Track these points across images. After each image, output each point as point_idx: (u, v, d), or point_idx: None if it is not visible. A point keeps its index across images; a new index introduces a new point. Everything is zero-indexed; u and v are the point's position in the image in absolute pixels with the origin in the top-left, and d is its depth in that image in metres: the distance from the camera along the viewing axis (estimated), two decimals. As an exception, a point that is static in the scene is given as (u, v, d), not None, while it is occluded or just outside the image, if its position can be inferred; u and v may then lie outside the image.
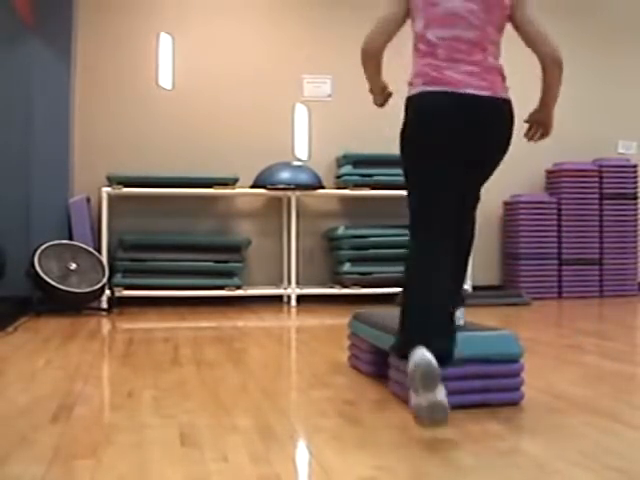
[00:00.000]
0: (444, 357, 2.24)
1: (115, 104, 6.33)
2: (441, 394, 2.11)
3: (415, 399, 2.13)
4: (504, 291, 6.68)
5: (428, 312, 2.34)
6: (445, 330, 2.35)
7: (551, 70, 2.51)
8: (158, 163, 6.33)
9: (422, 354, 2.14)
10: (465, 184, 2.55)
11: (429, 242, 2.47)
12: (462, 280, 2.71)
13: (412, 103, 2.49)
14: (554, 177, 6.90)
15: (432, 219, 2.49)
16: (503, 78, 2.50)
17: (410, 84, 2.53)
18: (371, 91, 2.77)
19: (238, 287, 6.06)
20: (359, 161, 6.36)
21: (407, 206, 2.57)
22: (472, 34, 2.44)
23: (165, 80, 6.45)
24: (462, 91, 2.40)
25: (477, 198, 2.66)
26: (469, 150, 2.47)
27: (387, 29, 2.58)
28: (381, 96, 2.77)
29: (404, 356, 2.25)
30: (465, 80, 2.41)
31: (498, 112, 2.47)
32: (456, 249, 2.54)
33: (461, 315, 2.69)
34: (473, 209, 2.67)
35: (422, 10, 2.50)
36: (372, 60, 2.65)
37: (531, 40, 2.53)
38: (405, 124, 2.54)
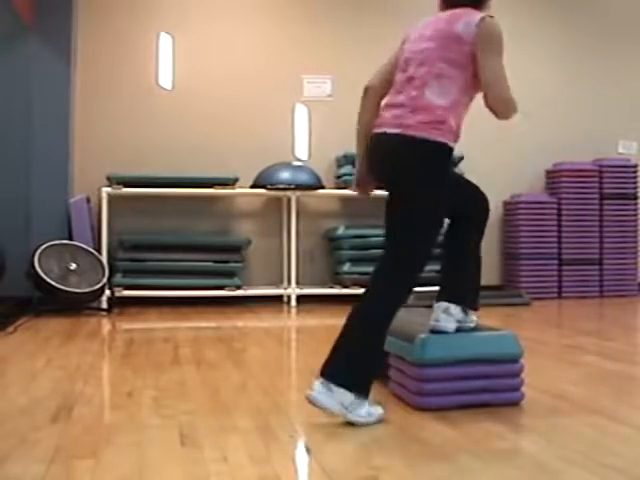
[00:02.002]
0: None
1: (115, 104, 6.33)
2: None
3: None
4: (504, 291, 6.68)
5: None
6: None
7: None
8: (158, 163, 6.33)
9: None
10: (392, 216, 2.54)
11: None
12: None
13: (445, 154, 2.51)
14: (554, 177, 6.90)
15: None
16: (435, 116, 2.43)
17: None
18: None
19: (238, 287, 6.06)
20: (359, 161, 6.35)
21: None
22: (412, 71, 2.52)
23: (165, 80, 6.45)
24: (377, 131, 2.53)
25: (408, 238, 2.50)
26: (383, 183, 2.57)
27: (378, 75, 2.69)
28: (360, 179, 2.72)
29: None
30: (386, 122, 2.51)
31: (392, 146, 2.48)
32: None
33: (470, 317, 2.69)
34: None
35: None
36: (363, 97, 2.73)
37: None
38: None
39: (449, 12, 2.52)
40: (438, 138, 2.41)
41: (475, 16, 2.45)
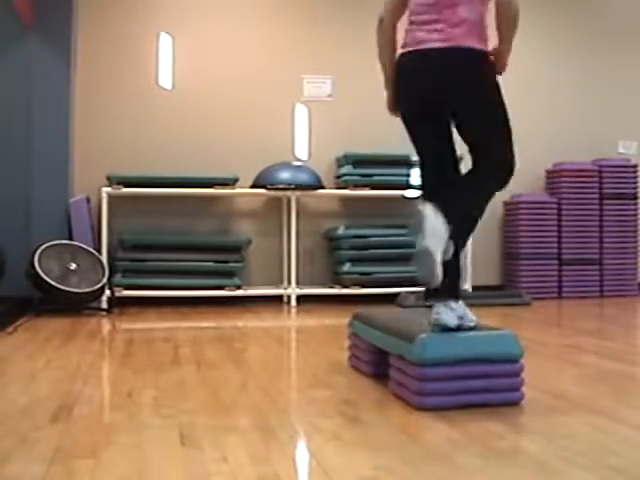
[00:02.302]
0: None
1: (115, 104, 6.33)
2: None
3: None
4: (504, 291, 6.68)
5: None
6: None
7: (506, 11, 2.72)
8: (158, 163, 6.33)
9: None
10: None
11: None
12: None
13: (397, 66, 2.81)
14: (554, 177, 6.90)
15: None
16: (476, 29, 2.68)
17: None
18: (386, 85, 2.93)
19: (238, 287, 6.06)
20: (359, 161, 6.36)
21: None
22: None
23: (165, 80, 6.45)
24: (420, 47, 2.69)
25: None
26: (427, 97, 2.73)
27: (390, 3, 2.86)
28: (392, 96, 2.90)
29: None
30: (426, 38, 2.68)
31: (449, 59, 2.66)
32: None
33: (467, 313, 2.70)
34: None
35: None
36: (384, 36, 2.87)
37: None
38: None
39: None
40: (483, 48, 2.67)
41: None
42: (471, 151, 2.77)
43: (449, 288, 2.64)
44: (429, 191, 2.80)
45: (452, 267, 2.64)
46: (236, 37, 6.56)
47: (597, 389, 2.86)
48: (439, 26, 2.64)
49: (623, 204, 6.90)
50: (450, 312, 2.62)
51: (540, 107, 6.94)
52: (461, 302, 2.68)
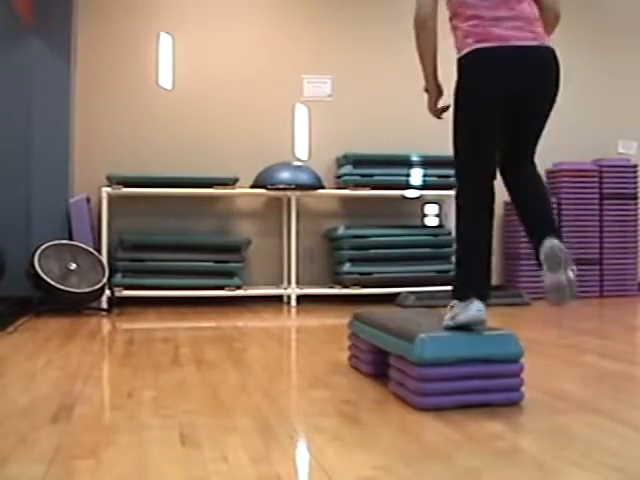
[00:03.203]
0: None
1: (115, 104, 6.33)
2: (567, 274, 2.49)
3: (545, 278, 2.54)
4: (504, 291, 6.68)
5: None
6: None
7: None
8: (158, 163, 6.33)
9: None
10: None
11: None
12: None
13: (468, 59, 2.67)
14: (554, 177, 6.90)
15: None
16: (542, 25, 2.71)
17: (459, 48, 2.70)
18: (426, 90, 2.88)
19: (238, 287, 6.06)
20: (359, 161, 6.36)
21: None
22: None
23: (165, 80, 6.45)
24: (512, 44, 2.61)
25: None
26: (522, 97, 2.69)
27: (430, 2, 2.71)
28: (436, 96, 2.87)
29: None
30: (511, 34, 2.62)
31: (545, 59, 2.67)
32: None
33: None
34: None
35: None
36: (424, 30, 2.74)
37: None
38: (464, 80, 2.70)
39: None
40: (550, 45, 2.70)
41: None
42: (510, 150, 2.78)
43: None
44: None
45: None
46: (236, 37, 6.56)
47: (597, 389, 2.86)
48: (518, 23, 2.62)
49: (623, 204, 6.90)
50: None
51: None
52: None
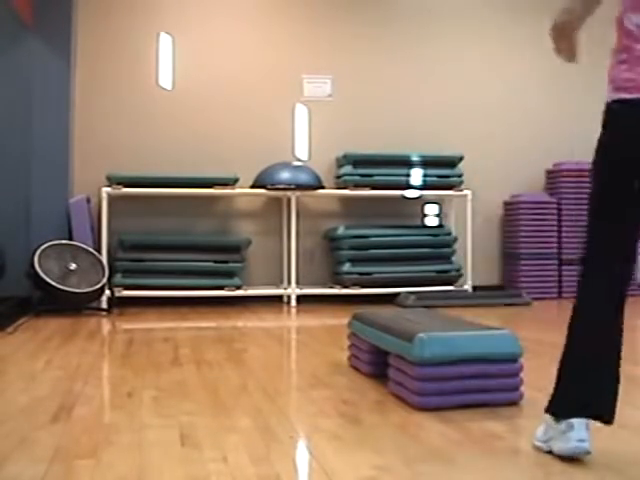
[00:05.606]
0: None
1: (115, 104, 6.33)
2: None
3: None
4: (504, 291, 6.68)
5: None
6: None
7: None
8: (158, 163, 6.33)
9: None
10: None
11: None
12: None
13: (604, 114, 2.02)
14: (554, 177, 6.90)
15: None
16: None
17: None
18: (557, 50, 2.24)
19: (238, 287, 6.06)
20: (359, 161, 6.36)
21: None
22: None
23: (165, 80, 6.45)
24: None
25: None
26: None
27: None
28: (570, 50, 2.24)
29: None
30: None
31: None
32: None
33: None
34: None
35: None
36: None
37: None
38: (599, 138, 2.07)
39: None
40: None
41: None
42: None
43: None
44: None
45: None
46: (236, 37, 6.57)
47: (597, 389, 2.86)
48: None
49: (623, 204, 6.89)
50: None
51: (540, 107, 6.94)
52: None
